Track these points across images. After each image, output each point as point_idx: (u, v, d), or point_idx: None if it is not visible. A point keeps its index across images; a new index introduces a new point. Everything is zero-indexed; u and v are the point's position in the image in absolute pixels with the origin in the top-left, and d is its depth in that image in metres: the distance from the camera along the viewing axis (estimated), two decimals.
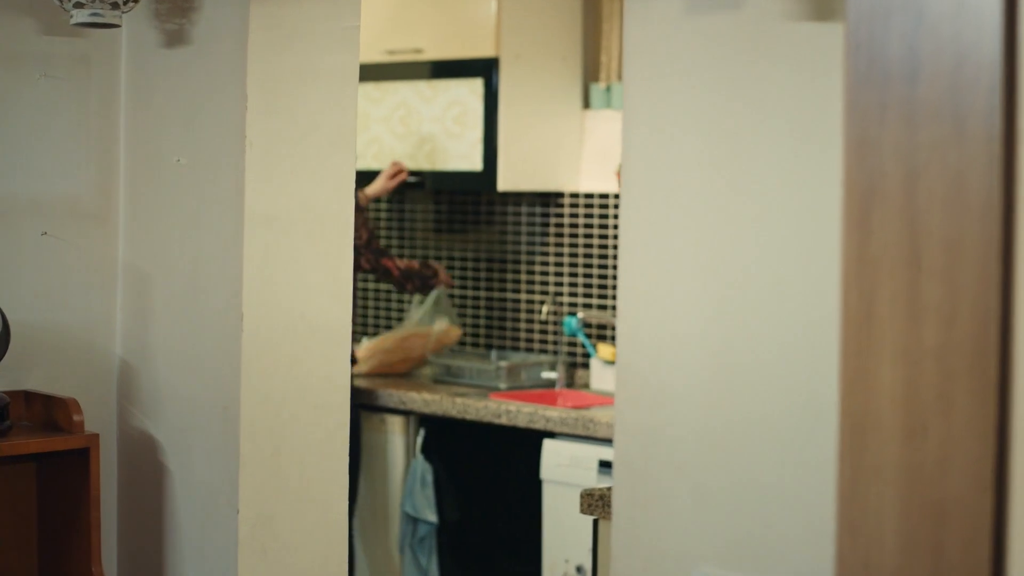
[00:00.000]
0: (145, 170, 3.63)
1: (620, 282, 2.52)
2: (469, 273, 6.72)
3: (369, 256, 6.11)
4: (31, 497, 3.47)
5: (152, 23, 3.54)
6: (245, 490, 3.36)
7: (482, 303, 6.68)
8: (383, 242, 7.01)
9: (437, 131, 6.49)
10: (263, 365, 3.38)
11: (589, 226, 6.27)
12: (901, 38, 2.03)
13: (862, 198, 2.07)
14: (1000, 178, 1.92)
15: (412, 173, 6.43)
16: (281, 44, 3.34)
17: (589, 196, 6.28)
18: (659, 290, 2.47)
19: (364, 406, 6.04)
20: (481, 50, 6.26)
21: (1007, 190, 1.91)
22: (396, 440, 6.04)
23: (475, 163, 6.36)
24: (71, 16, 3.25)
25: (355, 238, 5.49)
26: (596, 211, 6.24)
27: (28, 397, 3.49)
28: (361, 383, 6.11)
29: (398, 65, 6.53)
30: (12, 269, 3.58)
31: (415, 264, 6.34)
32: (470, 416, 5.79)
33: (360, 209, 5.95)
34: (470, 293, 6.72)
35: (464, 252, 6.75)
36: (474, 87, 6.33)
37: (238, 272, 3.34)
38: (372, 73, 6.57)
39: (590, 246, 6.26)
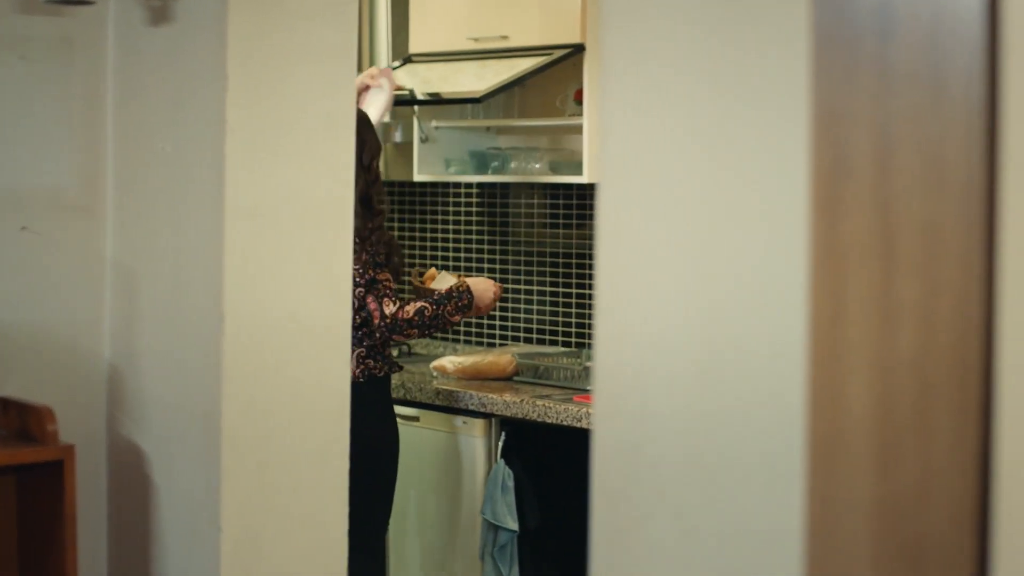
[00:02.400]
0: (133, 159, 3.39)
1: (598, 279, 2.23)
2: (560, 269, 6.47)
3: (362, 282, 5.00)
4: (10, 511, 3.25)
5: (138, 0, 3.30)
6: (228, 506, 3.09)
7: (573, 300, 6.42)
8: (472, 238, 6.77)
9: None
10: (247, 369, 3.12)
11: None
12: None
13: (830, 177, 1.75)
14: (982, 151, 1.60)
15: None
16: (266, 20, 3.07)
17: None
18: (641, 289, 2.17)
19: (444, 408, 5.81)
20: (567, 36, 6.01)
21: (990, 165, 1.59)
22: (477, 443, 5.79)
23: None
24: None
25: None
26: None
27: (5, 405, 3.28)
28: (442, 384, 5.87)
29: (484, 53, 6.29)
30: None
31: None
32: (550, 419, 5.52)
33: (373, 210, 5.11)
34: (562, 290, 6.47)
35: (555, 247, 6.50)
36: None
37: (219, 269, 3.08)
38: (458, 61, 6.37)
39: None
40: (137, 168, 3.40)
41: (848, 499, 1.74)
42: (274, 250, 3.15)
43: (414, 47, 6.52)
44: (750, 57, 1.93)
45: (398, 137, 6.66)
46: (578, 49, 5.92)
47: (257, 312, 3.14)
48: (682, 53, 2.06)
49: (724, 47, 1.99)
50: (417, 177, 6.47)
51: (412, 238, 7.00)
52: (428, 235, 6.99)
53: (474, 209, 6.79)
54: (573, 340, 6.45)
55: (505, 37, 6.23)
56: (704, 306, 2.08)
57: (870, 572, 1.73)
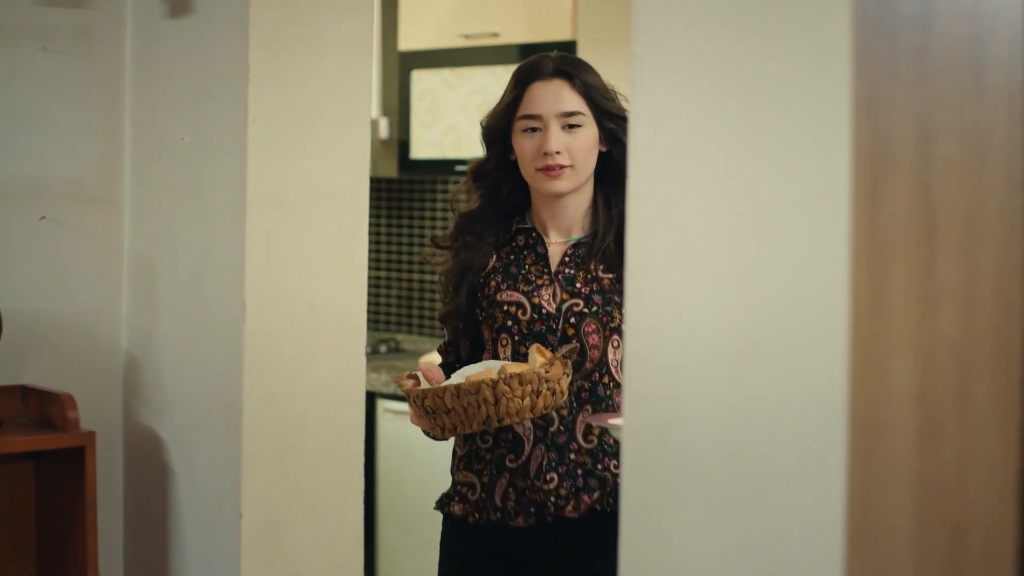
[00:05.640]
0: (152, 150, 3.42)
1: (630, 258, 2.26)
2: None
3: None
4: (29, 498, 3.27)
5: None
6: (249, 493, 3.12)
7: None
8: None
9: None
10: (267, 359, 3.15)
11: None
12: None
13: (871, 164, 1.80)
14: (1023, 138, 1.64)
15: None
16: (288, 10, 3.10)
17: None
18: (672, 268, 2.21)
19: None
20: (558, 33, 6.03)
21: None
22: None
23: None
24: None
25: None
26: None
27: (25, 392, 3.30)
28: None
29: (474, 50, 6.32)
30: (8, 256, 3.37)
31: None
32: None
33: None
34: None
35: None
36: None
37: (240, 259, 3.11)
38: (448, 58, 6.39)
39: None
40: (156, 158, 3.42)
41: (889, 481, 1.78)
42: (294, 240, 3.18)
43: (403, 44, 6.54)
44: (791, 44, 1.97)
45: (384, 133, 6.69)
46: (568, 46, 5.94)
47: (277, 302, 3.17)
48: (724, 38, 2.10)
49: (765, 34, 2.03)
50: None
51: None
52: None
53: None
54: None
55: (496, 34, 6.25)
56: (741, 293, 2.12)
57: (912, 553, 1.77)
